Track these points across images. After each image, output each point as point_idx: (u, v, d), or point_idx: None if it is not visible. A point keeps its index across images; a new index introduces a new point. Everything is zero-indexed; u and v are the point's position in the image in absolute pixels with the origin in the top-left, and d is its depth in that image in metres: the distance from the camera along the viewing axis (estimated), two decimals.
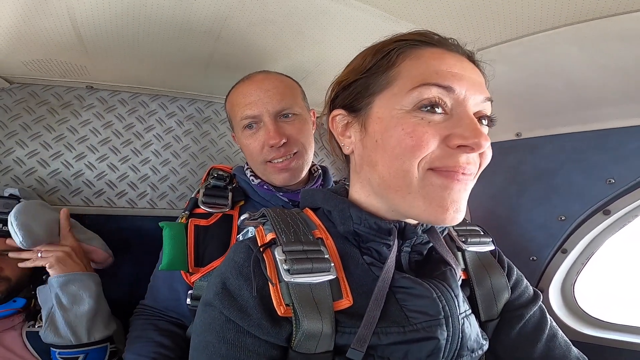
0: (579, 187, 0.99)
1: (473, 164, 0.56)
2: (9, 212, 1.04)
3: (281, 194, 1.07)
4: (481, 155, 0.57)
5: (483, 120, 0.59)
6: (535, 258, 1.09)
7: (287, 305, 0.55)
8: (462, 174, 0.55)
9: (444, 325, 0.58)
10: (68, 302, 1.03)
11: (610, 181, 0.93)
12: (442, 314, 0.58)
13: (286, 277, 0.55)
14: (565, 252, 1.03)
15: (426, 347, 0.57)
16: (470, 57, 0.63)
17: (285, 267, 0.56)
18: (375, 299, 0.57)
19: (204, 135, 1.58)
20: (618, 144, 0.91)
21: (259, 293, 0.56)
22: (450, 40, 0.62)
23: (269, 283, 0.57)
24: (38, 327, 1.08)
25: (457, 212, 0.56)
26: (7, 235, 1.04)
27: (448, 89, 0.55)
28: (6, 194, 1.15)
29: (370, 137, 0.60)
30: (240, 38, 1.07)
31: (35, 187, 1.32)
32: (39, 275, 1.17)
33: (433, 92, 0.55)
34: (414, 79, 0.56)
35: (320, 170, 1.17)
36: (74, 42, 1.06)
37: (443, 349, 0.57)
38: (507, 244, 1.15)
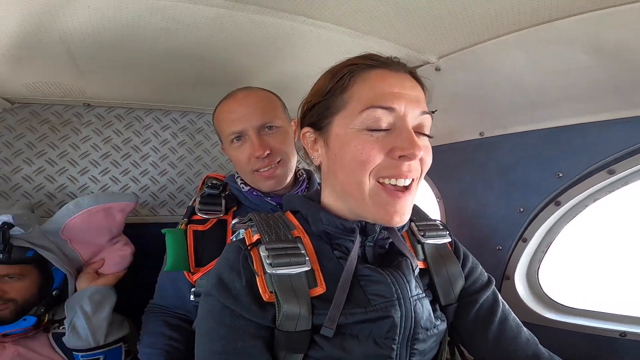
0: (534, 180, 1.08)
1: (415, 170, 0.68)
2: None
3: (269, 198, 1.17)
4: (421, 161, 0.69)
5: (424, 132, 0.70)
6: (500, 247, 1.18)
7: (270, 292, 0.67)
8: (404, 191, 0.67)
9: (397, 306, 0.69)
10: (92, 309, 1.14)
11: (559, 175, 1.02)
12: (395, 296, 0.70)
13: (269, 270, 0.67)
14: (526, 241, 1.12)
15: (385, 324, 0.68)
16: (412, 73, 0.74)
17: (268, 261, 0.68)
18: (341, 285, 0.68)
19: (198, 145, 1.68)
20: (566, 141, 1.01)
21: (247, 283, 0.68)
22: (394, 59, 0.73)
23: (256, 275, 0.68)
24: (62, 328, 1.18)
25: (401, 217, 0.68)
26: (5, 262, 1.10)
27: (389, 109, 0.66)
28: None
29: (331, 152, 0.72)
30: (223, 58, 1.17)
31: (45, 201, 1.43)
32: (47, 294, 1.23)
33: (378, 113, 0.66)
34: (362, 102, 0.67)
35: (305, 175, 1.27)
36: (69, 66, 1.16)
37: (399, 326, 0.69)
38: (477, 235, 1.25)
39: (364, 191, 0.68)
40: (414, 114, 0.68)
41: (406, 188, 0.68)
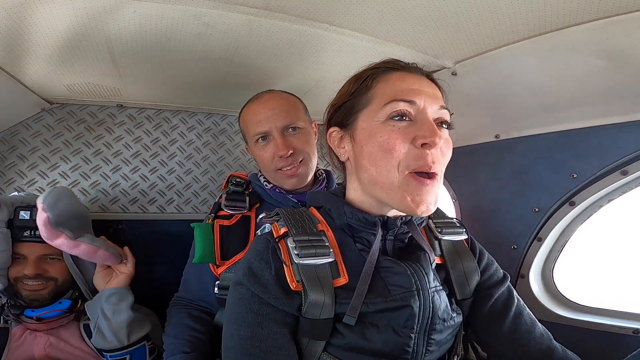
0: (549, 181, 1.12)
1: (438, 163, 0.72)
2: None
3: (291, 196, 1.23)
4: (442, 153, 0.73)
5: (443, 125, 0.75)
6: (515, 246, 1.21)
7: (297, 281, 0.72)
8: (430, 179, 0.71)
9: (416, 296, 0.73)
10: (111, 312, 1.18)
11: (573, 176, 1.05)
12: (415, 286, 0.74)
13: (296, 260, 0.72)
14: (540, 241, 1.15)
15: (404, 314, 0.72)
16: (429, 76, 0.80)
17: (296, 252, 0.73)
18: (363, 275, 0.73)
19: (221, 145, 1.76)
20: (579, 143, 1.04)
21: (276, 273, 0.73)
22: (411, 64, 0.80)
23: (284, 265, 0.73)
24: None
25: (427, 206, 0.71)
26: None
27: (411, 102, 0.72)
28: None
29: (358, 145, 0.77)
30: (250, 62, 1.24)
31: (79, 197, 1.51)
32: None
33: (400, 105, 0.72)
34: (385, 97, 0.74)
35: (324, 174, 1.33)
36: (110, 69, 1.24)
37: (417, 315, 0.73)
38: (492, 234, 1.28)
39: (392, 180, 0.71)
40: (434, 108, 0.73)
41: (431, 176, 0.71)
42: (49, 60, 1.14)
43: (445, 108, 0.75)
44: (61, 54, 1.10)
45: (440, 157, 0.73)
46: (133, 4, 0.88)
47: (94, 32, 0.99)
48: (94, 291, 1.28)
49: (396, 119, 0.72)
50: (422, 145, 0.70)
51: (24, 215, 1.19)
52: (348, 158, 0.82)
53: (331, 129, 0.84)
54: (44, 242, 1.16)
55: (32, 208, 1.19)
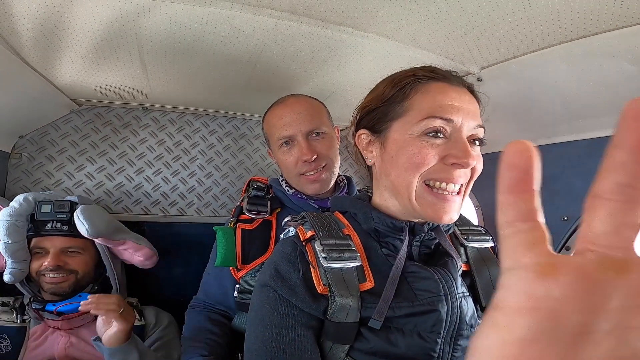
0: (579, 190, 1.08)
1: (464, 177, 0.71)
2: (66, 213, 1.24)
3: (312, 201, 1.22)
4: (472, 169, 0.72)
5: (476, 142, 0.74)
6: None
7: (324, 285, 0.71)
8: (452, 194, 0.70)
9: (444, 301, 0.72)
10: None
11: None
12: (442, 291, 0.72)
13: (324, 263, 0.71)
14: (569, 250, 1.12)
15: (431, 318, 0.71)
16: (470, 88, 0.78)
17: (323, 255, 0.72)
18: (390, 280, 0.72)
19: (241, 150, 1.77)
20: None
21: (303, 276, 0.73)
22: (453, 73, 0.77)
23: (311, 268, 0.73)
24: None
25: (450, 216, 0.71)
26: (69, 234, 1.23)
27: (448, 120, 0.70)
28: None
29: (387, 154, 0.77)
30: (274, 66, 1.25)
31: (103, 198, 1.54)
32: (101, 273, 1.35)
33: (437, 123, 0.70)
34: (423, 111, 0.72)
35: (345, 181, 1.32)
36: (139, 71, 1.26)
37: (444, 321, 0.71)
38: None
39: (410, 192, 0.72)
40: (470, 126, 0.72)
41: (454, 193, 0.71)
42: (81, 61, 1.16)
43: (481, 126, 0.74)
44: (93, 55, 1.12)
45: (469, 172, 0.72)
46: (165, 5, 0.90)
47: (126, 33, 1.01)
48: (122, 284, 1.35)
49: (430, 135, 0.71)
50: (452, 164, 0.69)
51: (46, 208, 1.24)
52: (374, 163, 0.82)
53: (360, 131, 0.82)
54: (65, 234, 1.24)
55: (54, 202, 1.25)
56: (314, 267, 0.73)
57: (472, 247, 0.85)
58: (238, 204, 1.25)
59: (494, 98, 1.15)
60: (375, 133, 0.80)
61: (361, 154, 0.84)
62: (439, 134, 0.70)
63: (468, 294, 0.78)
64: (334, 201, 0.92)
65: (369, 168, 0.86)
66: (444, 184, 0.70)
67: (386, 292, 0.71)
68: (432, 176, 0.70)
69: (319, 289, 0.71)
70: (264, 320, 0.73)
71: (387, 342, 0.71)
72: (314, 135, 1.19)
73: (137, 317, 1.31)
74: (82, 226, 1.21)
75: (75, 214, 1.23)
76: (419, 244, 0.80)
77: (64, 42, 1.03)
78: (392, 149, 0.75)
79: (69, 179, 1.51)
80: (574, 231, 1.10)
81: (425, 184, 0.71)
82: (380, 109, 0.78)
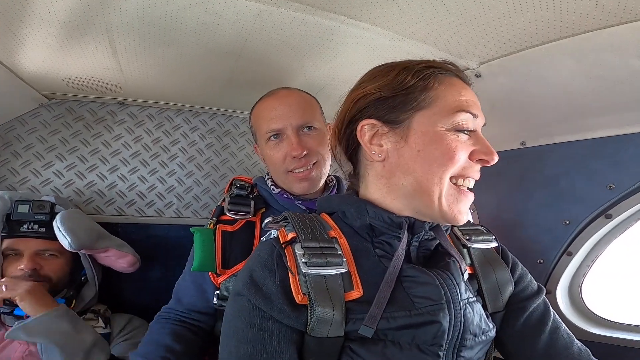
0: (582, 192, 1.04)
1: (479, 172, 0.71)
2: (45, 214, 1.18)
3: (299, 202, 1.15)
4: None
5: None
6: (542, 260, 1.13)
7: (304, 294, 0.63)
8: (469, 190, 0.70)
9: (446, 309, 0.65)
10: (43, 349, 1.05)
11: (610, 186, 0.97)
12: (444, 299, 0.66)
13: (304, 269, 0.64)
14: (571, 255, 1.07)
15: (431, 330, 0.64)
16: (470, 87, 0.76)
17: (304, 260, 0.65)
18: (386, 281, 0.65)
19: (225, 148, 1.68)
20: (617, 151, 0.96)
21: (281, 283, 0.65)
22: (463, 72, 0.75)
23: (289, 274, 0.65)
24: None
25: (464, 216, 0.70)
26: (46, 237, 1.16)
27: (475, 115, 0.69)
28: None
29: (411, 147, 0.69)
30: (259, 57, 1.16)
31: (73, 197, 1.43)
32: (77, 277, 1.27)
33: (467, 117, 0.68)
34: (453, 104, 0.68)
35: (334, 181, 1.25)
36: (111, 62, 1.17)
37: (447, 332, 0.64)
38: (515, 247, 1.17)
39: (442, 189, 0.67)
40: (481, 124, 0.72)
41: (469, 189, 0.71)
42: (47, 50, 1.07)
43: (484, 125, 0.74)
44: (59, 44, 1.03)
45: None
46: None
47: (94, 19, 0.92)
48: (102, 287, 1.32)
49: (460, 130, 0.68)
50: (478, 160, 0.69)
51: (23, 208, 1.20)
52: (385, 158, 0.72)
53: (365, 121, 0.72)
54: (40, 237, 1.18)
55: (32, 202, 1.21)
56: (292, 274, 0.65)
57: (475, 248, 0.80)
58: (219, 204, 1.16)
59: (493, 95, 1.11)
60: (390, 124, 0.71)
61: (354, 149, 0.77)
62: (466, 130, 0.69)
63: (475, 299, 0.72)
64: (320, 201, 0.84)
65: (356, 165, 0.79)
66: (467, 181, 0.69)
67: (380, 295, 0.64)
68: (459, 172, 0.68)
69: (298, 298, 0.64)
70: (238, 333, 0.65)
71: (383, 357, 0.63)
72: (305, 130, 1.12)
73: (103, 325, 1.24)
74: (64, 240, 1.14)
75: (55, 224, 1.15)
76: (417, 244, 0.73)
77: (27, 30, 0.95)
78: (419, 143, 0.68)
79: (35, 177, 1.40)
80: (576, 236, 1.04)
81: (450, 182, 0.68)
82: (397, 97, 0.70)
